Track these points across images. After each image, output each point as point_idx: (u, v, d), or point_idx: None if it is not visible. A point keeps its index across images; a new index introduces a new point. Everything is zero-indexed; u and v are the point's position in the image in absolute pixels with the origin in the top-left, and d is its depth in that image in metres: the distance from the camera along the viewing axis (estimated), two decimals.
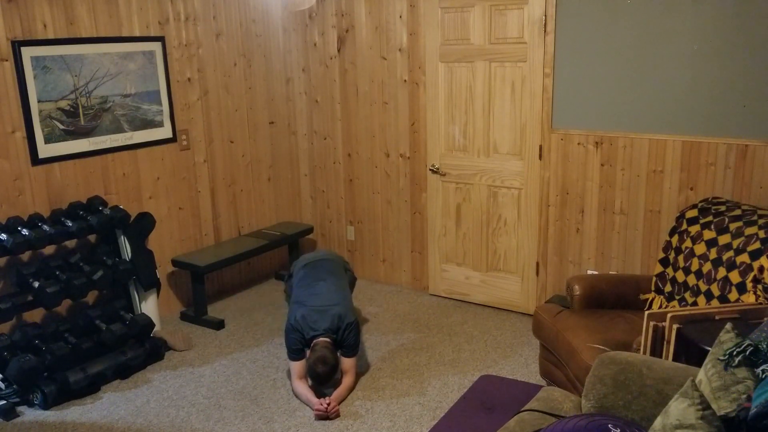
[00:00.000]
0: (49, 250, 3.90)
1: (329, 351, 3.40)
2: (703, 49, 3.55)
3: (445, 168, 4.63)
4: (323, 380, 3.39)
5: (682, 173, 3.75)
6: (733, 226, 3.08)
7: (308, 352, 3.50)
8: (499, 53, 4.22)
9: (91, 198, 3.98)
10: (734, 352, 1.94)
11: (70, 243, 4.00)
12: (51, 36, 3.78)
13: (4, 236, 3.45)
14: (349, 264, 4.31)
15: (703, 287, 3.08)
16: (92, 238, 4.12)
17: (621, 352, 2.36)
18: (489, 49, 4.26)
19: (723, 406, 1.85)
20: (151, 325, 3.96)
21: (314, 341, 3.47)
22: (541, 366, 3.49)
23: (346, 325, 3.52)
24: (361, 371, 3.81)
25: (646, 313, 2.62)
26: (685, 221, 3.35)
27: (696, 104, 3.63)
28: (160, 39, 4.34)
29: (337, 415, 3.37)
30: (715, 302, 3.00)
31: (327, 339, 3.47)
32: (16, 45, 3.61)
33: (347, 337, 3.52)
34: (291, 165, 5.47)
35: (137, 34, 4.22)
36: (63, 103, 3.88)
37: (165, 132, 4.46)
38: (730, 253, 3.00)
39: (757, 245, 2.90)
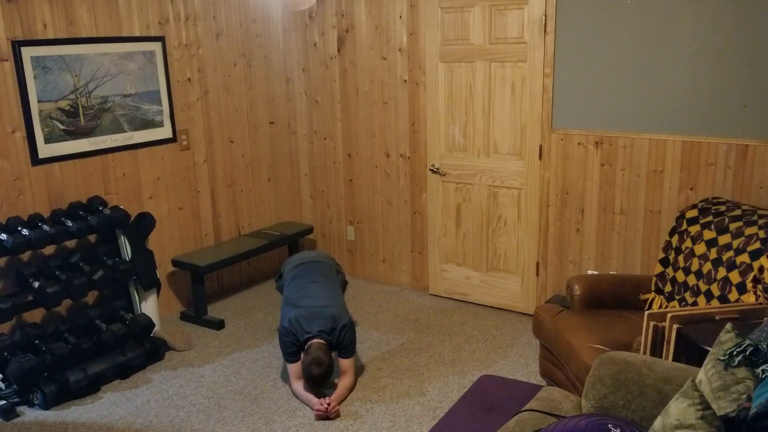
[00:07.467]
0: (49, 250, 3.90)
1: (323, 352, 3.39)
2: (703, 50, 3.55)
3: (445, 168, 4.63)
4: (319, 382, 3.38)
5: (682, 173, 3.75)
6: (733, 226, 3.08)
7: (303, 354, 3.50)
8: (499, 53, 4.22)
9: (91, 198, 3.98)
10: (734, 352, 1.94)
11: (70, 243, 4.00)
12: (51, 36, 3.78)
13: (4, 236, 3.45)
14: (341, 267, 4.30)
15: (703, 287, 3.08)
16: (92, 238, 4.12)
17: (621, 352, 2.36)
18: (489, 49, 4.26)
19: (723, 406, 1.85)
20: (151, 325, 3.96)
21: (308, 343, 3.47)
22: (541, 366, 3.49)
23: (341, 326, 3.51)
24: (360, 371, 3.81)
25: (646, 313, 2.62)
26: (685, 221, 3.35)
27: (696, 104, 3.63)
28: (160, 39, 4.34)
29: (337, 415, 3.37)
30: (715, 302, 3.00)
31: (321, 341, 3.46)
32: (16, 45, 3.61)
33: (343, 338, 3.51)
34: (291, 165, 5.47)
35: (137, 34, 4.22)
36: (63, 103, 3.88)
37: (165, 132, 4.46)
38: (730, 253, 3.00)
39: (757, 245, 2.90)
